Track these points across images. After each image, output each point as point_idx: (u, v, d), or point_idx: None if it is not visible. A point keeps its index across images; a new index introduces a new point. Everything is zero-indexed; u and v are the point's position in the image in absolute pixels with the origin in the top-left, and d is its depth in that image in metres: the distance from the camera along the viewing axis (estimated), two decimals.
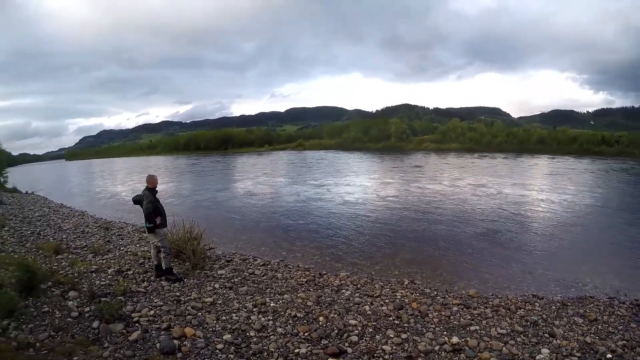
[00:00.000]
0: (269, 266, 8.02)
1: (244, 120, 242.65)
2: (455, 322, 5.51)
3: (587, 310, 6.02)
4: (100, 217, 13.74)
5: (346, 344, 4.72)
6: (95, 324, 4.62)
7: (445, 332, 5.19)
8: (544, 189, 18.53)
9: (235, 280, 6.96)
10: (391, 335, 5.00)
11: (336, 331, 5.04)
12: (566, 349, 4.75)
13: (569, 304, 6.31)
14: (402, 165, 32.74)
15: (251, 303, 5.86)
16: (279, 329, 5.02)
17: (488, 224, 11.70)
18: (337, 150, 56.83)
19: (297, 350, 4.48)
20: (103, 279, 6.47)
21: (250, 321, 5.21)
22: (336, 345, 4.62)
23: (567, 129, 48.36)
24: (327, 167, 32.10)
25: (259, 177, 26.37)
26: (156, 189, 6.72)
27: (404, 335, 5.01)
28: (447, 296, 6.53)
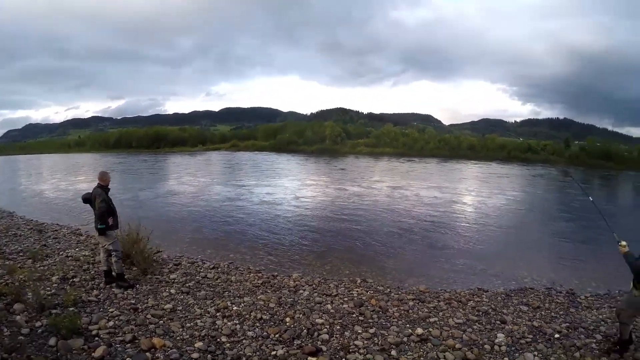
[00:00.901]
0: (219, 269, 7.82)
1: (177, 118, 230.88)
2: (414, 315, 5.79)
3: (530, 300, 6.64)
4: (30, 218, 12.50)
5: (319, 342, 4.77)
6: (52, 340, 4.17)
7: (408, 325, 5.43)
8: (474, 192, 20.07)
9: (190, 284, 6.68)
10: (359, 331, 5.14)
11: (306, 331, 5.06)
12: (518, 333, 5.25)
13: (512, 294, 6.92)
14: (336, 168, 33.29)
15: (213, 308, 5.69)
16: (249, 333, 4.93)
17: (425, 226, 12.36)
18: (272, 151, 56.15)
19: (274, 352, 4.44)
20: (48, 288, 5.89)
21: (216, 326, 5.05)
22: (312, 344, 4.66)
23: (495, 137, 51.94)
24: (262, 169, 31.63)
25: (192, 178, 25.31)
26: (108, 186, 6.31)
27: (371, 330, 5.17)
28: (400, 292, 6.83)
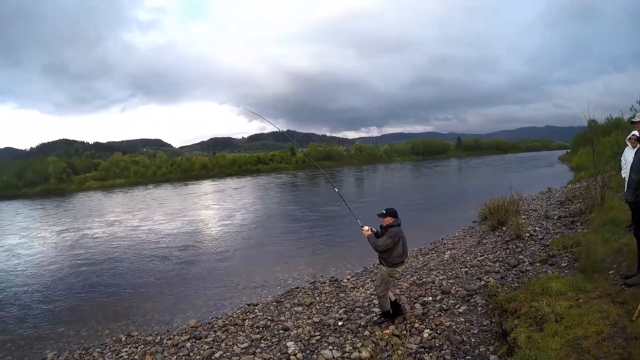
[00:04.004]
0: None
1: None
2: (197, 357, 5.13)
3: (301, 299, 6.93)
4: None
5: None
6: None
7: None
8: (215, 210, 20.29)
9: None
10: None
11: None
12: (305, 334, 5.27)
13: (283, 299, 7.08)
14: (60, 211, 26.71)
15: None
16: None
17: (172, 256, 11.40)
18: None
19: None
20: None
21: None
22: None
23: (225, 154, 55.63)
24: None
25: None
26: None
27: None
28: (172, 336, 6.00)
